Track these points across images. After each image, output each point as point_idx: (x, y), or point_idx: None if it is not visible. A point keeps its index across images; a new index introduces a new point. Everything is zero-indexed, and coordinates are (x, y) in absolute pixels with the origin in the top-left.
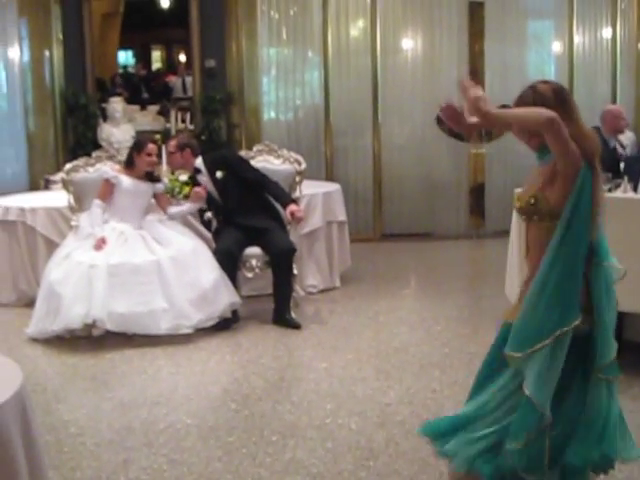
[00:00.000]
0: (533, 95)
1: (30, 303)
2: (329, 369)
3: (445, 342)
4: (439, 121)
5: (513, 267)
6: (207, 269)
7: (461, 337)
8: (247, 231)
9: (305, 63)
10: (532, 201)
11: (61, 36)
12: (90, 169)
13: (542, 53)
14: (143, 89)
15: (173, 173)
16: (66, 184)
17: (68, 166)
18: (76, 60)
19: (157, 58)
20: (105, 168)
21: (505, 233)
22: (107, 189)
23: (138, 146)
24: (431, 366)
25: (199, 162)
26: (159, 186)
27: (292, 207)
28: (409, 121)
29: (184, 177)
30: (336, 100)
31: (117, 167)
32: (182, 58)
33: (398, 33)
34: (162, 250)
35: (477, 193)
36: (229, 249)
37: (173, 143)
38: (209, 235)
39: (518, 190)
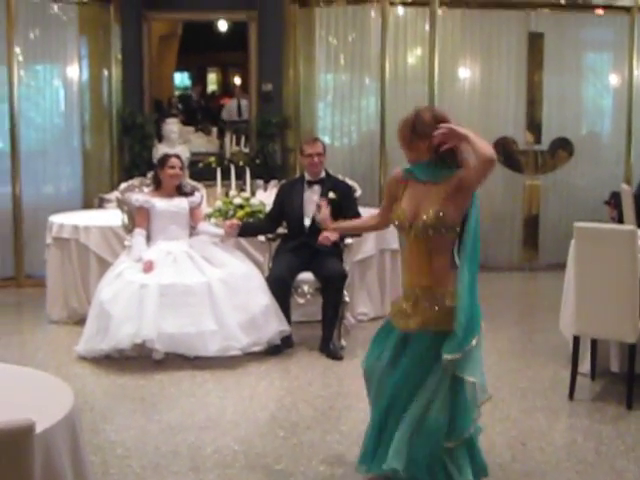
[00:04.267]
0: (415, 119)
1: (81, 321)
2: None
3: (497, 376)
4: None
5: (569, 302)
6: (258, 294)
7: (513, 371)
8: (302, 252)
9: (362, 89)
10: (441, 214)
11: (120, 56)
12: (145, 189)
13: (600, 86)
14: (199, 111)
15: (227, 195)
16: (121, 203)
17: (123, 185)
18: (134, 80)
19: (212, 80)
20: (135, 196)
21: (559, 266)
22: (142, 216)
23: (161, 162)
24: None
25: (324, 174)
26: (193, 199)
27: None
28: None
29: (238, 200)
30: (392, 127)
31: (148, 191)
32: (237, 81)
33: (456, 62)
34: (213, 271)
35: (531, 225)
36: (282, 276)
37: (320, 145)
38: (261, 259)
39: (404, 207)
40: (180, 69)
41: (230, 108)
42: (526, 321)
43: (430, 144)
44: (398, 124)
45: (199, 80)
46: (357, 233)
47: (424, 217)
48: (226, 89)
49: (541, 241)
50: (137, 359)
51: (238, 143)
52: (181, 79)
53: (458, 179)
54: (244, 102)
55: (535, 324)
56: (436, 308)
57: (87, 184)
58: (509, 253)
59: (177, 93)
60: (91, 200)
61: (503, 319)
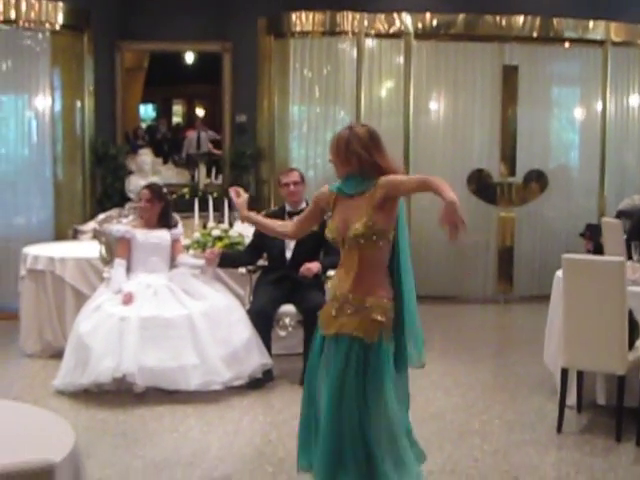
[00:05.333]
0: (349, 134)
1: (55, 354)
2: None
3: (483, 408)
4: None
5: (553, 335)
6: (240, 327)
7: (499, 404)
8: (283, 284)
9: (336, 122)
10: (370, 223)
11: (92, 87)
12: (123, 220)
13: (573, 118)
14: (165, 143)
15: (205, 227)
16: (99, 235)
17: (101, 216)
18: (106, 111)
19: (177, 112)
20: (117, 226)
21: (533, 299)
22: (123, 246)
23: (139, 194)
24: (470, 434)
25: (304, 204)
26: (176, 231)
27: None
28: None
29: (217, 232)
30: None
31: (127, 221)
32: (200, 113)
33: (431, 94)
34: (194, 304)
35: (505, 257)
36: (263, 308)
37: (296, 174)
38: (241, 292)
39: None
40: (145, 101)
41: (190, 140)
42: (505, 354)
43: (360, 159)
44: (331, 140)
45: (164, 112)
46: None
47: (355, 228)
48: (192, 121)
49: (515, 273)
50: (116, 393)
51: (209, 175)
52: (145, 111)
53: (384, 189)
54: (203, 134)
55: (514, 357)
56: (359, 317)
57: (59, 215)
58: (483, 285)
59: (144, 125)
60: (62, 231)
61: (481, 351)
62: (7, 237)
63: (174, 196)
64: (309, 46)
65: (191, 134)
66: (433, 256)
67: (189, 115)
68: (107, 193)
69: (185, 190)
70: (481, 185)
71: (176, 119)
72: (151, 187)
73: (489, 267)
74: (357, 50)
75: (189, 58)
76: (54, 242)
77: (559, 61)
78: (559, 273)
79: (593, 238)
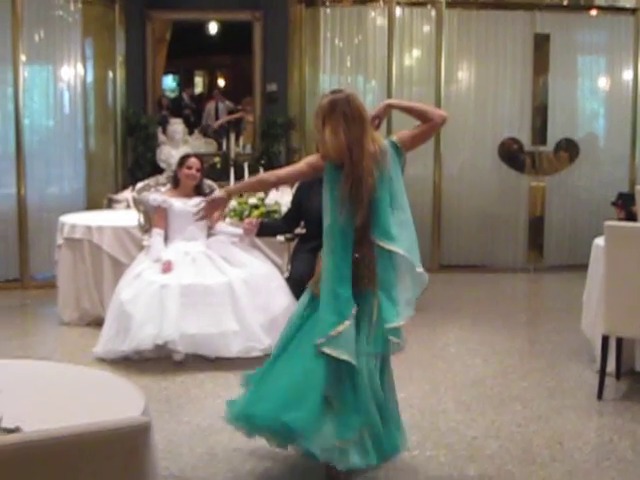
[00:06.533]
0: (319, 105)
1: (92, 322)
2: (408, 399)
3: (522, 376)
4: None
5: (592, 302)
6: (279, 295)
7: (537, 371)
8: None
9: (367, 91)
10: None
11: (121, 58)
12: (161, 189)
13: (604, 88)
14: (191, 114)
15: (241, 195)
16: (137, 203)
17: (139, 185)
18: (137, 81)
19: (199, 83)
20: (153, 195)
21: (563, 268)
22: (161, 215)
23: (181, 161)
24: (511, 400)
25: None
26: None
27: None
28: (470, 152)
29: (253, 200)
30: (397, 129)
31: (164, 190)
32: (221, 83)
33: (461, 63)
34: (233, 271)
35: (536, 226)
36: (302, 276)
37: None
38: (279, 261)
39: None
40: (166, 72)
41: (209, 110)
42: (539, 322)
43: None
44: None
45: (186, 83)
46: None
47: None
48: (212, 91)
49: (546, 242)
50: (156, 360)
51: (236, 144)
52: (165, 82)
53: None
54: (221, 105)
55: (549, 325)
56: None
57: (90, 185)
58: (513, 254)
59: (172, 95)
60: (94, 201)
61: (515, 320)
62: (40, 207)
63: (206, 165)
64: (339, 15)
65: (210, 104)
66: (463, 225)
67: (211, 86)
68: (138, 163)
69: (216, 159)
70: (511, 154)
71: (197, 90)
72: (198, 156)
73: (519, 236)
74: (388, 19)
75: (212, 28)
76: (90, 211)
77: (590, 29)
78: (598, 241)
79: (625, 207)
